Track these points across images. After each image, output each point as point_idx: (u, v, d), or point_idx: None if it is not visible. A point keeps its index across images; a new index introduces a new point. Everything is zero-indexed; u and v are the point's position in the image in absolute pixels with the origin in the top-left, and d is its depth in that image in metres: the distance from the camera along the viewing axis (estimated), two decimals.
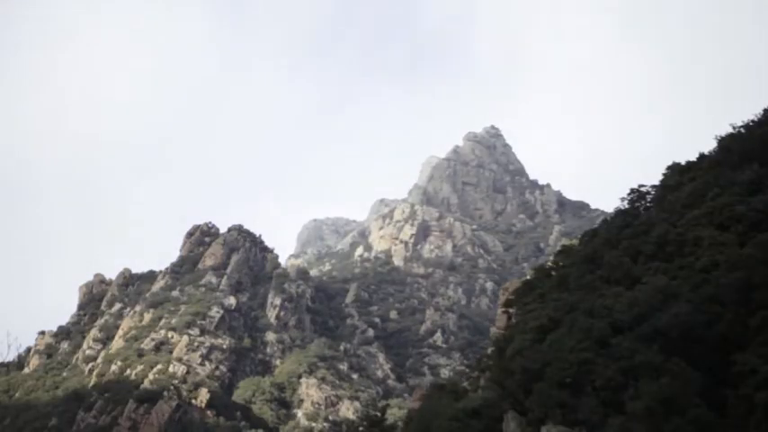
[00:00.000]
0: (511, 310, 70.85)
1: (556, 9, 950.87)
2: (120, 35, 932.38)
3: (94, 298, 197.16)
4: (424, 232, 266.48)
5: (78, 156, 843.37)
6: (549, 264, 74.67)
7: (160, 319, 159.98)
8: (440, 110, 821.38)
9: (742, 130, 61.27)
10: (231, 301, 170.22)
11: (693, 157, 67.84)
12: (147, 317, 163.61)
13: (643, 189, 69.26)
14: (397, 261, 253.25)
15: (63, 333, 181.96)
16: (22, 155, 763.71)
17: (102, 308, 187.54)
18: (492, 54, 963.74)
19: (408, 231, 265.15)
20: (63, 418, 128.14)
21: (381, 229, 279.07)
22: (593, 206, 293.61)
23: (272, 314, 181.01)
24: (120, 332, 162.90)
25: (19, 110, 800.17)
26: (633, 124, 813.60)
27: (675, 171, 68.58)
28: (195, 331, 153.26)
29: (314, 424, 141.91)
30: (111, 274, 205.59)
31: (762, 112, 61.16)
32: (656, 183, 69.60)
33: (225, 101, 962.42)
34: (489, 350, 71.23)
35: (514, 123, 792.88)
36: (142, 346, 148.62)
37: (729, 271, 40.49)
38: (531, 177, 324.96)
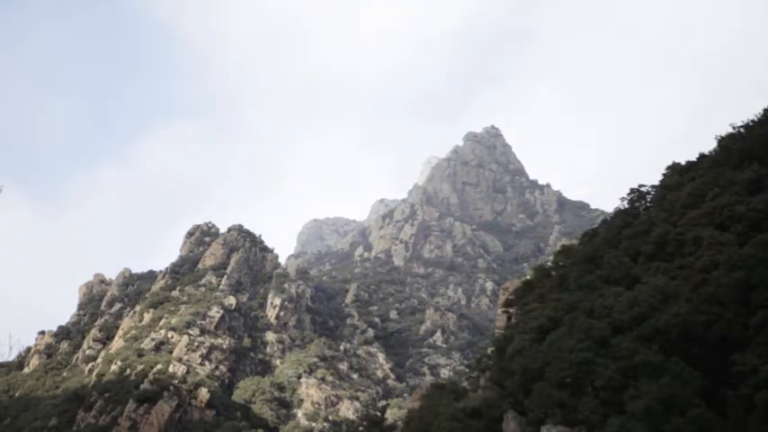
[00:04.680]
0: (511, 310, 70.75)
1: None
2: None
3: (94, 298, 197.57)
4: (424, 232, 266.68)
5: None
6: (549, 264, 74.45)
7: (160, 318, 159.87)
8: (440, 108, 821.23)
9: (742, 130, 61.11)
10: (231, 300, 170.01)
11: (693, 157, 67.82)
12: (147, 317, 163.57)
13: (643, 189, 69.05)
14: (397, 261, 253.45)
15: (63, 333, 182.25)
16: None
17: (102, 308, 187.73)
18: None
19: (408, 231, 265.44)
20: (63, 418, 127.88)
21: (381, 229, 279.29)
22: (593, 206, 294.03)
23: (272, 314, 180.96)
24: (120, 332, 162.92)
25: None
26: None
27: (675, 171, 68.39)
28: (195, 331, 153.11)
29: (314, 424, 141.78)
30: (112, 274, 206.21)
31: (762, 112, 60.96)
32: (656, 183, 69.52)
33: (225, 101, 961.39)
34: (489, 350, 71.10)
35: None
36: (142, 346, 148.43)
37: (729, 271, 40.42)
38: (531, 177, 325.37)
